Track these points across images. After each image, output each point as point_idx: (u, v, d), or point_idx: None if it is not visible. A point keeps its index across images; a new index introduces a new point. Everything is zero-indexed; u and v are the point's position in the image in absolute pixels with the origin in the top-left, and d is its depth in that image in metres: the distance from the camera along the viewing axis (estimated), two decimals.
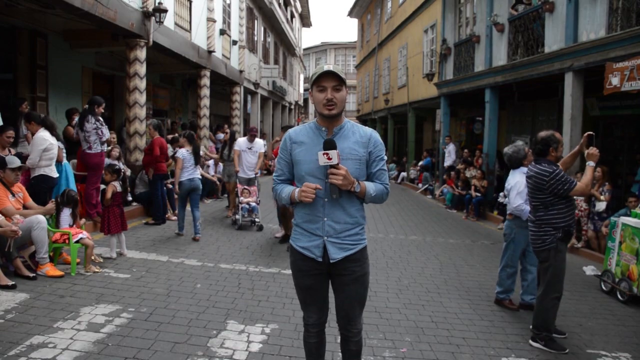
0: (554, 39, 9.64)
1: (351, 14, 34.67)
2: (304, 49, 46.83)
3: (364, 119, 32.60)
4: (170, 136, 11.16)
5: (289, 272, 5.32)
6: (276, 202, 7.36)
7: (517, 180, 5.35)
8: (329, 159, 2.69)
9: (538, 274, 4.81)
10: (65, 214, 6.16)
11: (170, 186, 9.57)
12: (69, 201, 6.23)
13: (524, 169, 5.20)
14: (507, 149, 5.61)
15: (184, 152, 8.07)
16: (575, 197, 4.62)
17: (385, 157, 2.99)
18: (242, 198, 9.24)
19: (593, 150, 4.50)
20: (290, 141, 2.94)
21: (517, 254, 5.45)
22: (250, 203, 9.26)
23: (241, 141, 9.45)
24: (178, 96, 17.71)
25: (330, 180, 2.73)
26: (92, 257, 6.01)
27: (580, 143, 4.74)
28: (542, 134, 4.66)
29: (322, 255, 2.87)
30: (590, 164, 4.49)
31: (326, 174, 2.76)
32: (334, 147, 2.71)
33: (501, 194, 11.88)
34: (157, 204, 9.03)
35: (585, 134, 4.63)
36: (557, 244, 4.43)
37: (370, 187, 2.85)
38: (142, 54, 9.96)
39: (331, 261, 2.86)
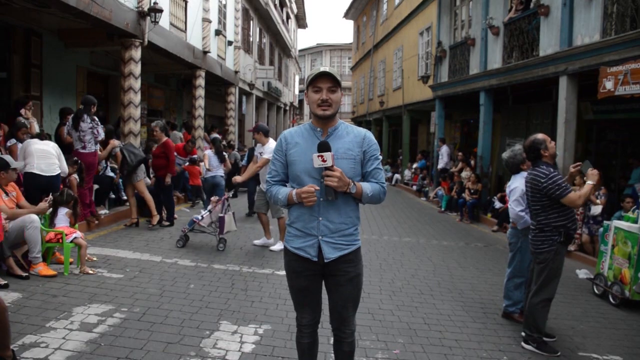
0: (548, 42, 9.69)
1: (347, 15, 34.72)
2: (300, 50, 46.87)
3: (358, 121, 32.65)
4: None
5: (283, 273, 5.31)
6: None
7: (516, 186, 5.18)
8: (324, 161, 2.71)
9: (531, 274, 4.81)
10: (61, 214, 6.12)
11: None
12: (67, 200, 6.20)
13: (524, 174, 5.05)
14: (504, 154, 5.48)
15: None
16: None
17: (380, 157, 3.00)
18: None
19: (594, 171, 4.61)
20: (286, 142, 2.95)
21: (526, 263, 5.08)
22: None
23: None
24: (173, 96, 17.67)
25: (326, 182, 2.74)
26: (87, 258, 5.98)
27: (571, 173, 4.89)
28: (526, 142, 4.70)
29: (317, 255, 2.87)
30: (590, 182, 4.52)
31: (322, 175, 2.77)
32: (328, 150, 2.73)
33: (495, 197, 11.95)
34: (169, 206, 9.05)
35: (575, 166, 4.84)
36: (557, 247, 4.45)
37: (367, 187, 2.85)
38: (137, 53, 9.93)
39: (325, 261, 2.87)
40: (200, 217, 7.47)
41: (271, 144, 7.51)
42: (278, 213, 7.49)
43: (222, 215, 7.41)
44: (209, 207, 7.64)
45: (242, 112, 21.67)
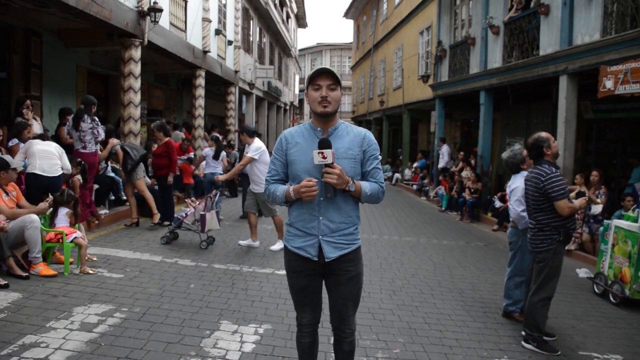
0: (548, 42, 9.68)
1: (347, 15, 34.71)
2: (300, 50, 46.86)
3: (359, 120, 32.65)
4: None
5: (283, 272, 5.31)
6: None
7: (517, 186, 5.15)
8: (324, 157, 2.71)
9: (531, 273, 4.81)
10: (62, 214, 6.11)
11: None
12: (68, 200, 6.19)
13: (525, 173, 5.01)
14: (503, 154, 5.48)
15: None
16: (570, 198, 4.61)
17: (380, 157, 3.00)
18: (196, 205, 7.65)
19: (583, 201, 4.76)
20: (286, 142, 2.95)
21: (526, 262, 5.05)
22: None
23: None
24: (173, 96, 17.67)
25: (325, 179, 2.74)
26: (87, 257, 5.98)
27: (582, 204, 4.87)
28: (530, 140, 4.68)
29: (318, 255, 2.87)
30: (576, 205, 4.55)
31: (322, 173, 2.77)
32: (329, 147, 2.73)
33: (495, 197, 11.95)
34: (170, 205, 9.01)
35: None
36: (556, 246, 4.44)
37: (366, 186, 2.86)
38: (137, 53, 9.93)
39: (326, 260, 2.86)
40: (184, 215, 7.48)
41: (256, 143, 7.55)
42: (272, 212, 7.48)
43: (203, 213, 7.41)
44: (193, 204, 7.65)
45: (242, 112, 21.66)
